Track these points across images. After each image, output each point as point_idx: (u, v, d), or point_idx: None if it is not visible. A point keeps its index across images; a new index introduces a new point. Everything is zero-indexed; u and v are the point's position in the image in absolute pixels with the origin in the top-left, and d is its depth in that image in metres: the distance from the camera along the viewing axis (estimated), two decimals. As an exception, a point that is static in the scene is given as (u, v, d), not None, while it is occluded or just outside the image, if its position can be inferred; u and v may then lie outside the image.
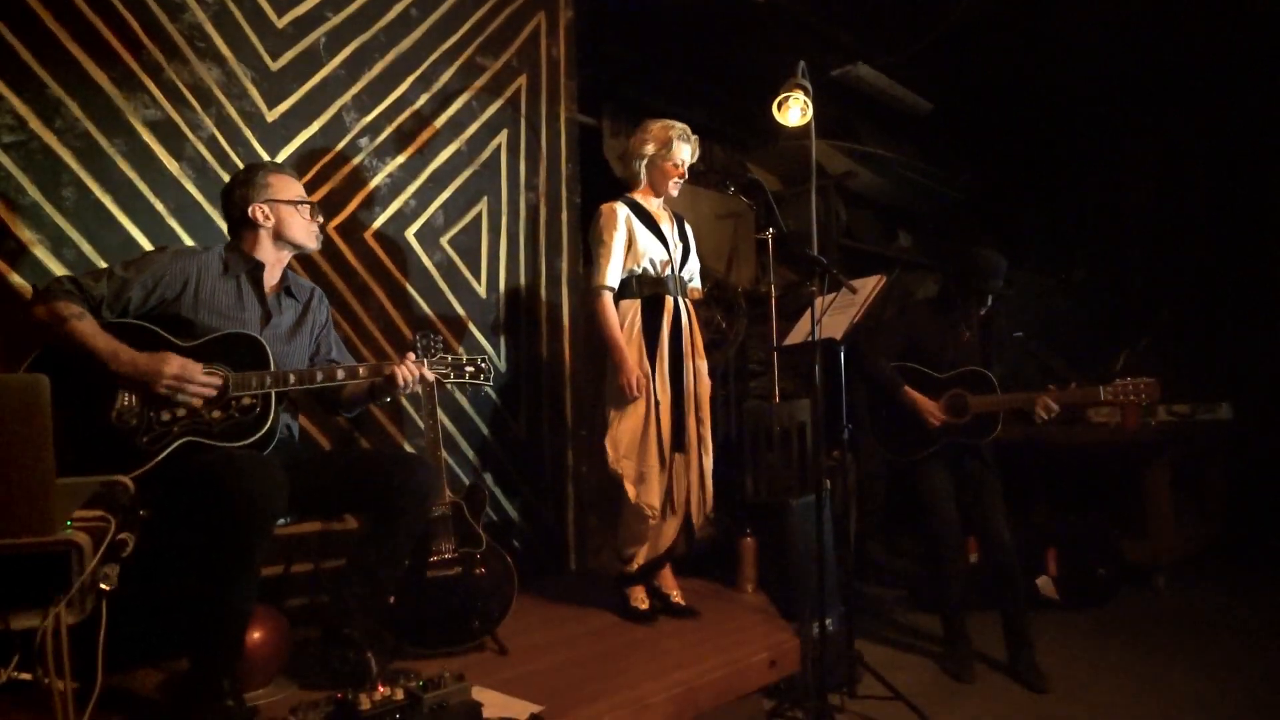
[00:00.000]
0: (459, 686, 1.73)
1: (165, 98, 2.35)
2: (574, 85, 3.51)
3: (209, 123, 2.43)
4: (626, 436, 2.56)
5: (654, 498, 2.56)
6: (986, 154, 5.91)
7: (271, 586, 2.25)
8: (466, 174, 3.09)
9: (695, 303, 2.79)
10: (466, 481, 2.94)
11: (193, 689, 1.70)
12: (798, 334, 2.79)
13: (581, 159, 3.56)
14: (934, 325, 3.02)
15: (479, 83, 3.14)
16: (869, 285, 2.65)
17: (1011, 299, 4.79)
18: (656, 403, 2.56)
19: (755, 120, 4.70)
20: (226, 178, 2.19)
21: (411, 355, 2.06)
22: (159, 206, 2.33)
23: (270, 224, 2.01)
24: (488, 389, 3.04)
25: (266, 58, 2.57)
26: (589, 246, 2.70)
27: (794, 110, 2.73)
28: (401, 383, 2.00)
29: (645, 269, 2.62)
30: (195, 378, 1.77)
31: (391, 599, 2.11)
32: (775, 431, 3.24)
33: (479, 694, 1.83)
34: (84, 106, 2.20)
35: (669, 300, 2.64)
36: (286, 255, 2.10)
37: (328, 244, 2.60)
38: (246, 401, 1.84)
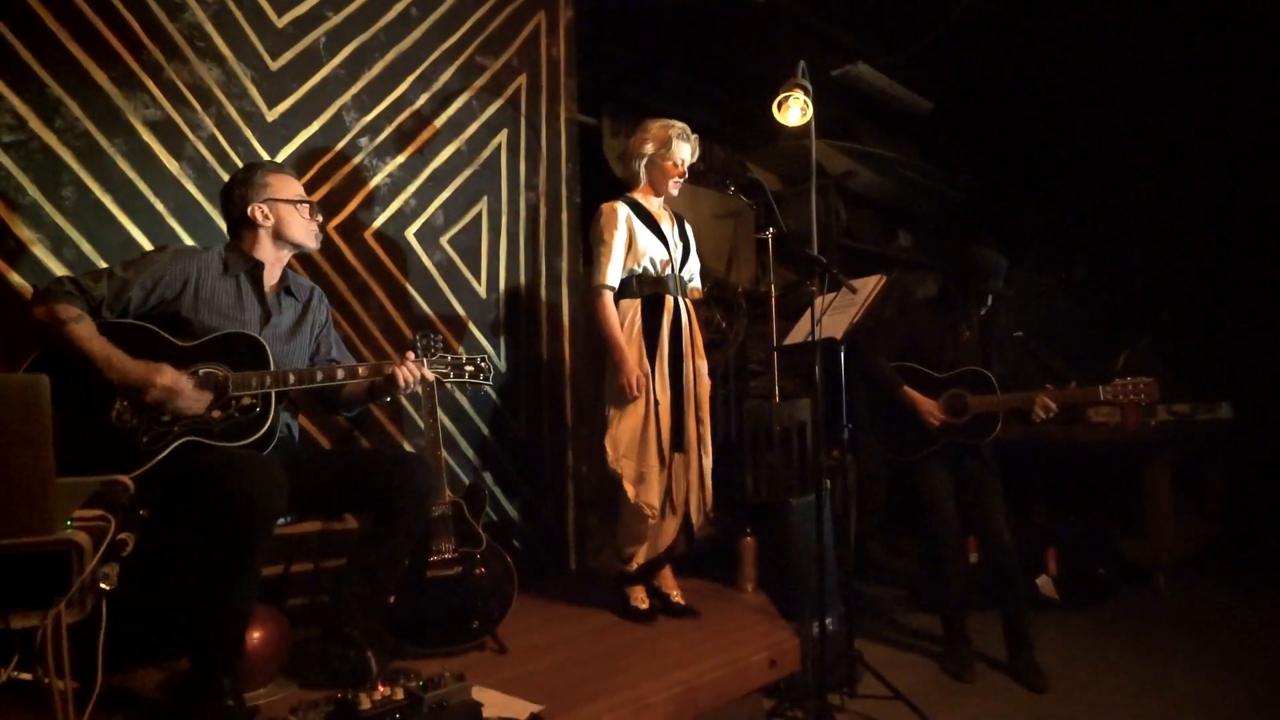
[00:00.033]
0: (459, 686, 1.73)
1: (165, 97, 2.35)
2: (574, 85, 3.51)
3: (209, 122, 2.44)
4: (626, 436, 2.56)
5: (653, 497, 2.56)
6: (986, 154, 5.90)
7: (271, 586, 2.25)
8: (466, 174, 3.09)
9: (695, 302, 2.79)
10: (466, 481, 2.94)
11: (193, 689, 1.70)
12: (798, 334, 2.78)
13: (581, 159, 3.56)
14: (934, 325, 3.03)
15: (479, 82, 3.14)
16: (869, 285, 2.65)
17: (1011, 299, 4.77)
18: (656, 402, 2.56)
19: (755, 120, 4.71)
20: (226, 177, 2.19)
21: (411, 355, 2.06)
22: (159, 206, 2.33)
23: (270, 223, 2.02)
24: (488, 389, 3.05)
25: (266, 57, 2.57)
26: (589, 246, 2.70)
27: (794, 110, 2.74)
28: (401, 382, 2.00)
29: (645, 268, 2.62)
30: (185, 392, 1.76)
31: (391, 599, 2.11)
32: (775, 431, 3.23)
33: (479, 694, 1.83)
34: (84, 106, 2.20)
35: (669, 300, 2.64)
36: (286, 254, 2.10)
37: (328, 244, 2.60)
38: (246, 401, 1.84)
